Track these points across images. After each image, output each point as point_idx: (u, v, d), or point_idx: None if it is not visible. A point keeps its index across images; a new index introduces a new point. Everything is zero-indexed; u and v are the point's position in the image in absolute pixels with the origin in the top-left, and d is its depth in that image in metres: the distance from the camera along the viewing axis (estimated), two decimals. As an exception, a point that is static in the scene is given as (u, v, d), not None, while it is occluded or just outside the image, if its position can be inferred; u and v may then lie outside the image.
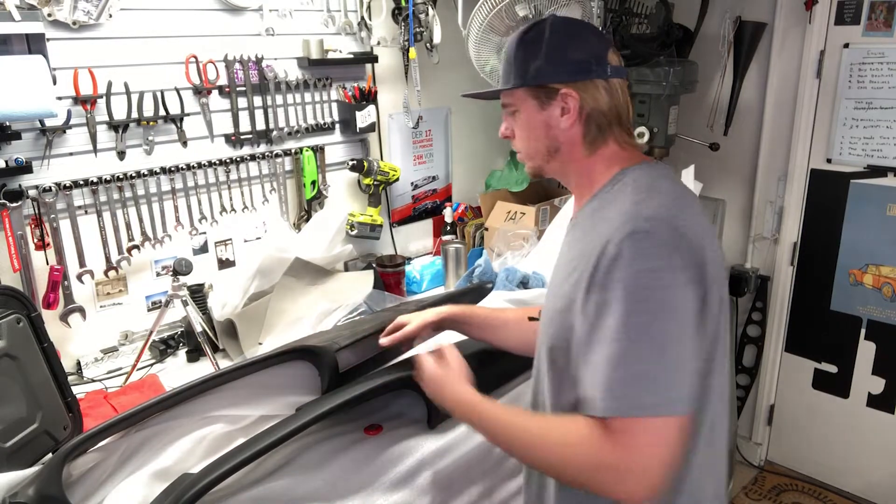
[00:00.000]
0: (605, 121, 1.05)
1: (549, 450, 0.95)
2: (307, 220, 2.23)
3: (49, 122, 1.66)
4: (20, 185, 1.64)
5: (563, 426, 0.94)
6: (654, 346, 0.87)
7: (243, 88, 2.00)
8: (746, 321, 2.85)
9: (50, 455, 1.30)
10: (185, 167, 1.91)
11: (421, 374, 1.20)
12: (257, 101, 2.04)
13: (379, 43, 2.23)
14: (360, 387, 1.32)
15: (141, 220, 1.87)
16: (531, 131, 1.10)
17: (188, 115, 1.90)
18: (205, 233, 2.03)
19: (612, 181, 1.05)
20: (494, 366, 1.50)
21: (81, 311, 1.79)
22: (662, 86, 2.29)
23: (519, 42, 1.09)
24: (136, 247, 1.87)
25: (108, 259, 1.83)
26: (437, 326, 1.43)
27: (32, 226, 1.69)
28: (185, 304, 1.78)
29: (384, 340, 1.42)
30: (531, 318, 1.28)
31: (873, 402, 2.57)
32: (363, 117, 2.23)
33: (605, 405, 0.87)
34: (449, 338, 1.64)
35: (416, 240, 2.64)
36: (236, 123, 2.01)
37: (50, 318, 1.66)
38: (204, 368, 1.80)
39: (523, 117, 1.10)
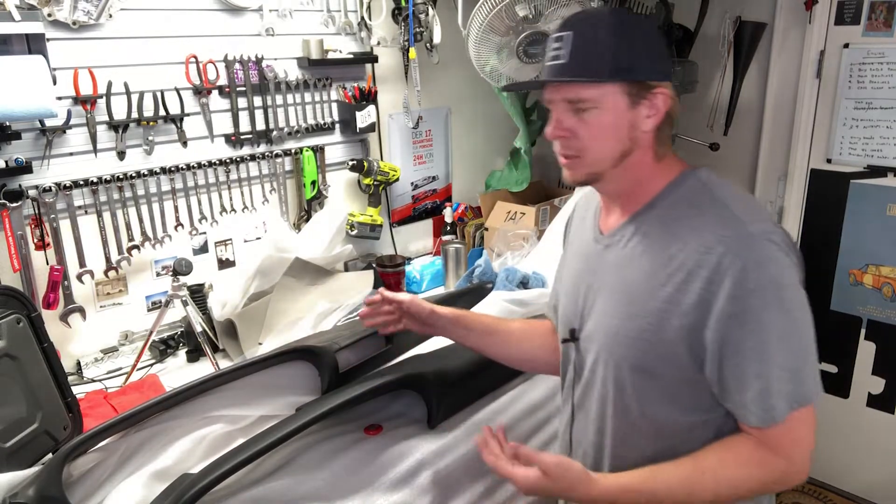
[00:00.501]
0: (672, 124, 1.01)
1: (732, 482, 0.94)
2: (307, 220, 2.23)
3: (49, 122, 1.65)
4: (20, 185, 1.64)
5: (732, 453, 0.95)
6: (802, 341, 0.91)
7: (243, 88, 2.00)
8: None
9: (50, 455, 1.30)
10: (185, 167, 1.91)
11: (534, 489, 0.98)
12: (257, 101, 2.04)
13: (379, 43, 2.23)
14: (360, 387, 1.32)
15: (141, 220, 1.87)
16: (612, 132, 0.98)
17: (188, 115, 1.90)
18: (205, 233, 2.03)
19: (674, 186, 1.00)
20: (493, 367, 1.50)
21: (81, 311, 1.79)
22: (662, 86, 2.28)
23: (611, 27, 0.96)
24: (136, 247, 1.87)
25: (108, 259, 1.83)
26: (431, 321, 1.30)
27: (32, 226, 1.69)
28: (185, 304, 1.78)
29: (365, 310, 1.33)
30: (565, 341, 1.15)
31: (873, 402, 2.57)
32: (363, 117, 2.23)
33: (775, 411, 0.90)
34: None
35: (416, 240, 2.64)
36: (236, 123, 2.01)
37: (50, 318, 1.66)
38: (204, 368, 1.80)
39: (603, 116, 0.96)
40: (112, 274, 1.85)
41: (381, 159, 2.40)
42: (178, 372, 1.81)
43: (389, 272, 2.22)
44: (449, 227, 2.47)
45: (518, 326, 1.35)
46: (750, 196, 1.01)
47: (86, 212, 1.77)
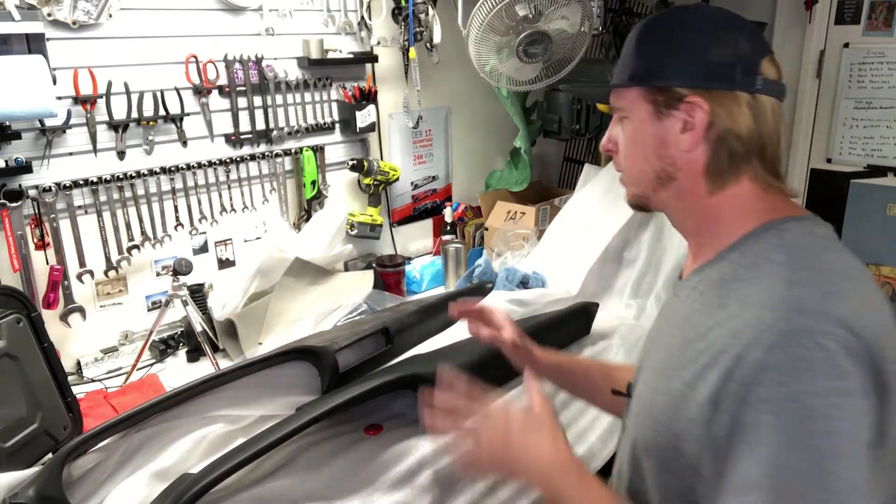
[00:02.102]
0: (741, 149, 0.80)
1: None
2: (307, 220, 2.23)
3: (49, 122, 1.65)
4: (20, 185, 1.64)
5: None
6: (817, 497, 0.64)
7: (243, 88, 2.00)
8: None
9: (50, 455, 1.30)
10: (185, 167, 1.91)
11: (481, 416, 0.88)
12: (257, 101, 2.04)
13: (379, 43, 2.23)
14: (360, 387, 1.32)
15: (141, 220, 1.87)
16: (637, 146, 0.85)
17: (188, 115, 1.90)
18: (205, 233, 2.03)
19: (751, 238, 0.79)
20: (493, 367, 1.50)
21: (81, 311, 1.79)
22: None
23: (646, 27, 0.85)
24: (136, 247, 1.87)
25: (108, 259, 1.83)
26: (515, 351, 1.17)
27: (32, 226, 1.69)
28: (185, 304, 1.78)
29: (456, 311, 1.20)
30: (615, 393, 1.02)
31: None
32: (363, 117, 2.23)
33: None
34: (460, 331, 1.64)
35: (416, 240, 2.64)
36: (236, 123, 2.01)
37: (50, 318, 1.66)
38: (204, 368, 1.80)
39: (632, 127, 0.86)
40: (112, 274, 1.85)
41: (381, 159, 2.40)
42: (178, 372, 1.81)
43: (389, 272, 2.22)
44: (449, 227, 2.47)
45: (587, 364, 1.23)
46: (846, 267, 0.75)
47: (86, 212, 1.77)
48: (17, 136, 1.59)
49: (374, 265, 2.25)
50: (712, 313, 0.76)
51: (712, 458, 0.71)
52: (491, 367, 1.44)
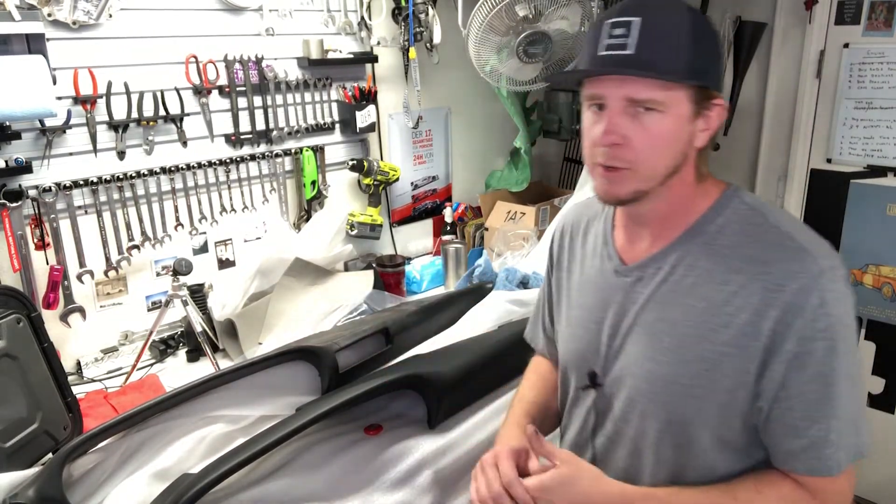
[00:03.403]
0: (713, 141, 0.90)
1: None
2: (307, 220, 2.23)
3: (49, 122, 1.65)
4: (20, 185, 1.64)
5: (773, 490, 0.85)
6: (862, 390, 0.86)
7: (243, 88, 2.00)
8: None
9: (50, 455, 1.30)
10: (185, 167, 1.91)
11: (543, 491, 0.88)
12: (257, 101, 2.04)
13: (379, 43, 2.23)
14: (360, 387, 1.32)
15: (141, 220, 1.87)
16: (671, 143, 0.85)
17: (188, 115, 1.90)
18: (205, 233, 2.03)
19: (718, 209, 0.89)
20: (493, 367, 1.50)
21: (81, 311, 1.79)
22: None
23: (689, 19, 0.84)
24: (136, 247, 1.87)
25: (108, 259, 1.83)
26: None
27: (32, 226, 1.69)
28: (185, 304, 1.78)
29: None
30: (585, 387, 1.03)
31: (873, 402, 2.57)
32: (363, 117, 2.23)
33: (831, 463, 0.82)
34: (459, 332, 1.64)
35: (416, 240, 2.64)
36: (236, 123, 2.01)
37: (50, 318, 1.66)
38: (204, 368, 1.80)
39: (665, 123, 0.83)
40: (112, 274, 1.85)
41: (381, 159, 2.40)
42: (178, 372, 1.81)
43: (389, 272, 2.22)
44: (449, 227, 2.47)
45: (545, 390, 1.17)
46: (803, 223, 0.90)
47: (86, 212, 1.77)
48: (17, 136, 1.59)
49: (374, 265, 2.24)
50: (727, 280, 0.84)
51: (773, 391, 0.82)
52: (491, 368, 1.45)
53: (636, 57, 0.81)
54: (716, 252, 0.87)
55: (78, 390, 1.61)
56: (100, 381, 1.75)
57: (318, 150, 2.21)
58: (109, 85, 1.74)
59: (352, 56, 2.20)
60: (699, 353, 0.85)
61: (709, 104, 0.86)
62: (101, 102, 1.74)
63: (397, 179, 2.37)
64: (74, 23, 1.65)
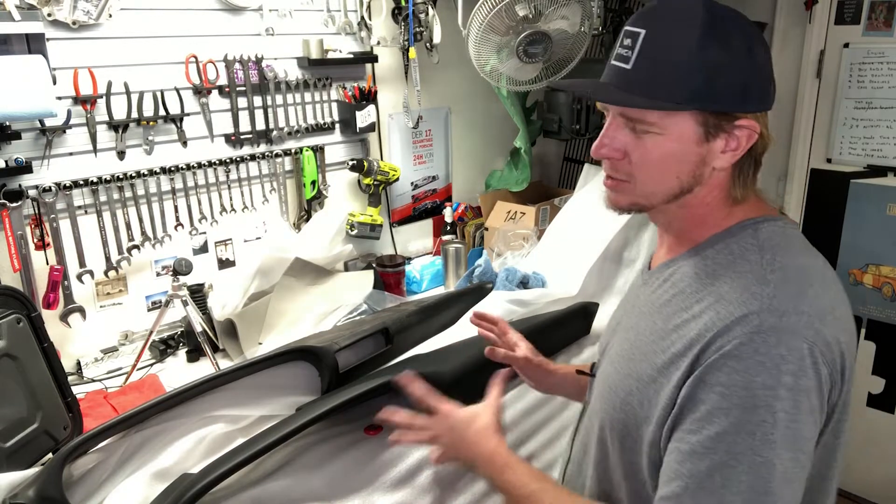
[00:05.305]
0: (759, 161, 0.81)
1: None
2: (307, 220, 2.23)
3: (49, 122, 1.65)
4: (20, 185, 1.64)
5: None
6: (756, 477, 0.68)
7: (243, 88, 2.00)
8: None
9: (50, 455, 1.30)
10: (185, 167, 1.91)
11: (440, 419, 1.01)
12: (257, 101, 2.04)
13: (379, 43, 2.23)
14: (360, 387, 1.32)
15: (141, 220, 1.87)
16: (672, 165, 0.79)
17: (188, 115, 1.90)
18: (205, 233, 2.03)
19: (727, 235, 0.82)
20: (493, 367, 1.50)
21: (81, 311, 1.79)
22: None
23: (699, 30, 0.74)
24: (136, 247, 1.87)
25: (108, 259, 1.83)
26: (528, 367, 1.20)
27: (32, 226, 1.69)
28: (185, 304, 1.78)
29: (475, 317, 1.25)
30: (579, 372, 1.12)
31: (873, 402, 2.57)
32: (363, 117, 2.23)
33: None
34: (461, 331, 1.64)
35: (416, 240, 2.64)
36: (236, 123, 2.01)
37: (50, 318, 1.66)
38: (204, 368, 1.80)
39: (666, 144, 0.78)
40: (112, 274, 1.85)
41: (381, 159, 2.40)
42: (178, 372, 1.81)
43: (389, 272, 2.22)
44: (449, 227, 2.47)
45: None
46: (815, 265, 0.79)
47: (86, 212, 1.77)
48: (17, 136, 1.59)
49: (374, 265, 2.25)
50: (688, 306, 0.79)
51: (669, 435, 0.76)
52: (490, 367, 1.44)
53: (632, 74, 0.78)
54: (698, 276, 0.81)
55: (78, 390, 1.61)
56: (100, 381, 1.75)
57: (318, 150, 2.21)
58: (109, 85, 1.74)
59: (352, 56, 2.20)
60: (638, 370, 0.82)
61: (728, 126, 0.77)
62: (101, 102, 1.74)
63: (397, 179, 2.38)
64: (74, 23, 1.65)
